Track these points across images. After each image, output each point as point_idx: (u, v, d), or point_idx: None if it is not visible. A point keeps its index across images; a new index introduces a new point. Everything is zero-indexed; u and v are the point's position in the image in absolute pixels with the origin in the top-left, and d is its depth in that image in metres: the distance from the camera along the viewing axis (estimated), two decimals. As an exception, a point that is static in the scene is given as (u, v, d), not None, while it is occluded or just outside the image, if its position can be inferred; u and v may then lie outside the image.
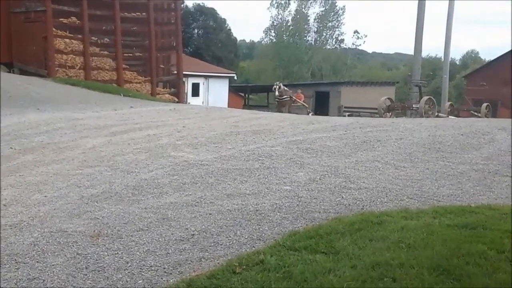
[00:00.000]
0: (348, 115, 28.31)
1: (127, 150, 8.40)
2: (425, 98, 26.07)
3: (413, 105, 27.25)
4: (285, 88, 30.85)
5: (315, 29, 73.64)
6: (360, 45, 77.14)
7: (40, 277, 4.36)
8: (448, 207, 5.67)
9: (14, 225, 5.45)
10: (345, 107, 35.49)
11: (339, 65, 73.84)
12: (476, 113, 29.06)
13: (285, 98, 29.95)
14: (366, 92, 39.18)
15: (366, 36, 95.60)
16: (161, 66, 28.35)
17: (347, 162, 7.79)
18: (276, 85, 30.38)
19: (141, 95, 22.82)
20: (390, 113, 26.27)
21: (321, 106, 38.47)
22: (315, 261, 4.29)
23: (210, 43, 56.08)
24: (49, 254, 4.78)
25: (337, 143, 8.94)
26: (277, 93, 29.91)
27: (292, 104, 30.80)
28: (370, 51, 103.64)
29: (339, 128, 10.38)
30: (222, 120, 11.77)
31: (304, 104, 31.92)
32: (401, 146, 8.79)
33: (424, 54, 58.71)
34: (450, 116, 25.78)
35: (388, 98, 27.57)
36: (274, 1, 72.88)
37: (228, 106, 33.07)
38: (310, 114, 28.31)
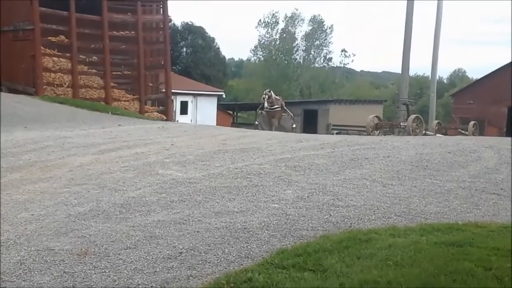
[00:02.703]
0: (336, 133, 28.38)
1: (114, 168, 8.38)
2: (412, 116, 26.23)
3: (401, 123, 27.40)
4: (276, 97, 27.10)
5: (303, 48, 73.98)
6: (348, 63, 77.46)
7: (26, 296, 4.33)
8: (436, 225, 5.70)
9: (0, 244, 5.41)
10: (333, 125, 35.61)
11: (328, 84, 74.12)
12: (463, 131, 29.23)
13: (276, 108, 26.32)
14: (354, 110, 39.34)
15: (354, 55, 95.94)
16: (150, 84, 28.39)
17: (335, 180, 7.81)
18: (266, 94, 26.25)
19: (130, 113, 22.80)
20: (378, 131, 26.39)
21: (310, 124, 38.58)
22: (303, 279, 4.29)
23: (199, 61, 56.19)
24: (36, 272, 4.74)
25: (325, 161, 8.96)
26: (266, 104, 25.96)
27: (283, 114, 27.46)
28: (358, 69, 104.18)
29: (327, 146, 10.41)
30: (210, 138, 11.77)
31: (290, 113, 28.54)
32: (388, 164, 8.82)
33: (411, 72, 59.11)
34: (437, 134, 25.91)
35: (376, 116, 27.71)
36: (262, 21, 73.29)
37: (217, 124, 33.08)
38: (294, 125, 27.74)
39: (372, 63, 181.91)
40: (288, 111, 28.15)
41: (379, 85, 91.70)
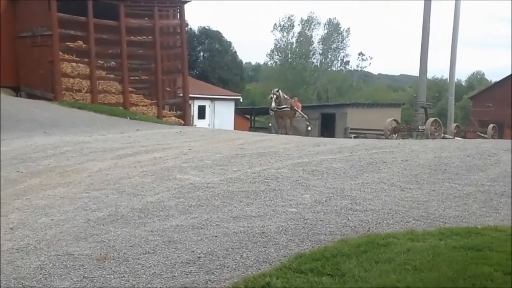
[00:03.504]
0: (354, 137, 28.21)
1: (133, 173, 8.43)
2: (431, 119, 26.06)
3: (419, 127, 27.23)
4: (285, 96, 25.56)
5: (320, 51, 73.92)
6: (365, 67, 77.41)
7: (46, 301, 4.37)
8: (454, 229, 5.66)
9: (21, 249, 5.47)
10: (351, 129, 35.49)
11: (345, 87, 74.01)
12: (482, 134, 29.01)
13: (285, 108, 24.82)
14: (372, 114, 39.21)
15: (371, 58, 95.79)
16: (167, 89, 28.48)
17: (353, 184, 7.79)
18: (273, 93, 24.61)
19: (148, 118, 22.90)
20: (396, 135, 26.26)
21: (327, 128, 38.52)
22: (321, 284, 4.28)
23: (216, 65, 56.32)
24: (56, 277, 4.79)
25: (343, 165, 8.95)
26: (273, 104, 24.29)
27: (295, 116, 25.89)
28: (375, 72, 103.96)
29: (344, 150, 10.38)
30: (227, 143, 11.79)
31: (303, 115, 27.15)
32: (407, 168, 8.78)
33: (430, 75, 58.98)
34: (456, 138, 25.73)
35: (394, 120, 27.56)
36: (278, 24, 73.36)
37: (234, 129, 33.12)
38: (309, 128, 26.46)
39: (390, 66, 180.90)
40: (301, 112, 26.79)
41: (397, 88, 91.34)
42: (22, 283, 4.68)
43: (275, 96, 24.40)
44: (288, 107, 24.98)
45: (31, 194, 7.50)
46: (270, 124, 27.21)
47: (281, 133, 22.96)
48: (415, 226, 6.04)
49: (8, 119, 17.55)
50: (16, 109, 19.51)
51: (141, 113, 24.56)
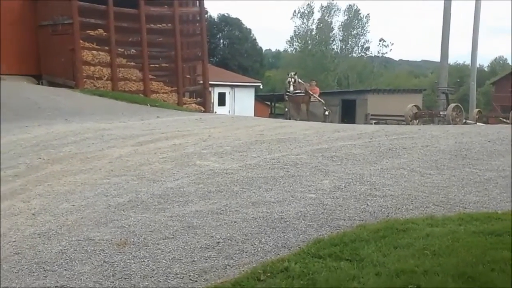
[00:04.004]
0: (375, 123, 28.07)
1: (153, 160, 8.48)
2: (452, 105, 25.88)
3: (440, 113, 27.05)
4: (300, 80, 24.77)
5: (340, 38, 73.54)
6: (386, 53, 76.91)
7: (67, 285, 4.44)
8: (474, 214, 5.64)
9: (42, 234, 5.55)
10: (371, 115, 35.32)
11: (366, 73, 73.60)
12: (504, 120, 28.72)
13: (299, 93, 24.26)
14: (393, 100, 38.97)
15: (392, 44, 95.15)
16: (187, 76, 28.50)
17: (372, 169, 7.77)
18: (291, 77, 24.07)
19: (168, 105, 22.94)
20: (417, 121, 26.10)
21: (348, 114, 38.38)
22: (339, 269, 4.30)
23: (236, 53, 56.34)
24: (77, 262, 4.85)
25: (363, 150, 8.92)
26: (291, 87, 23.84)
27: (311, 101, 25.25)
28: (397, 58, 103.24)
29: (364, 136, 10.35)
30: (247, 129, 11.80)
31: (320, 99, 26.45)
32: (427, 154, 8.74)
33: (452, 61, 58.43)
34: (478, 123, 25.51)
35: (415, 106, 27.37)
36: (297, 11, 73.08)
37: (254, 115, 33.14)
38: (326, 112, 25.76)
39: (411, 52, 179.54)
40: (317, 97, 26.17)
41: (418, 74, 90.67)
42: (44, 268, 4.75)
43: (293, 80, 23.97)
44: (302, 92, 24.45)
45: (52, 181, 7.58)
46: (286, 109, 26.30)
47: (295, 119, 22.74)
48: (435, 211, 6.02)
49: (29, 107, 17.73)
50: (37, 97, 19.65)
51: (162, 100, 24.60)
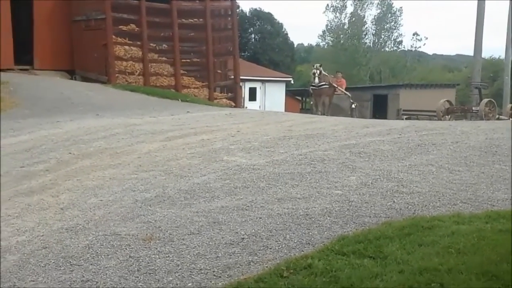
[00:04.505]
0: (406, 118, 27.80)
1: (181, 155, 8.53)
2: (485, 100, 25.50)
3: (473, 108, 26.69)
4: (324, 72, 23.63)
5: (373, 32, 73.01)
6: (419, 47, 76.12)
7: (93, 279, 4.50)
8: (502, 212, 5.57)
9: (70, 228, 5.63)
10: (403, 110, 34.99)
11: (399, 68, 72.93)
12: (539, 116, 28.22)
13: (324, 86, 23.12)
14: (426, 94, 38.54)
15: (426, 38, 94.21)
16: (218, 71, 28.53)
17: (400, 166, 7.72)
18: (316, 69, 22.95)
19: (199, 100, 23.02)
20: (449, 116, 25.79)
21: (379, 109, 38.07)
22: (362, 266, 4.29)
23: (267, 47, 56.26)
24: (103, 256, 4.92)
25: (391, 146, 8.86)
26: (316, 79, 22.74)
27: (335, 93, 24.10)
28: (430, 52, 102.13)
29: (393, 132, 10.27)
30: (276, 124, 11.80)
31: (346, 92, 25.24)
32: (456, 150, 8.65)
33: (486, 55, 57.51)
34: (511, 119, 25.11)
35: (447, 101, 27.04)
36: (330, 5, 72.73)
37: (285, 110, 33.10)
38: (353, 106, 24.62)
39: (445, 46, 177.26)
40: (343, 90, 24.98)
41: (453, 69, 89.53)
42: (70, 262, 4.82)
43: (318, 72, 23.00)
44: (327, 84, 23.38)
45: (82, 175, 7.68)
46: (311, 103, 25.80)
47: (320, 112, 22.36)
48: (462, 209, 5.96)
49: (62, 102, 17.95)
50: (70, 92, 19.88)
51: (193, 95, 24.66)
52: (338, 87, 24.35)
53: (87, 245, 5.18)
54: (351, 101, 24.92)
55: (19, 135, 11.18)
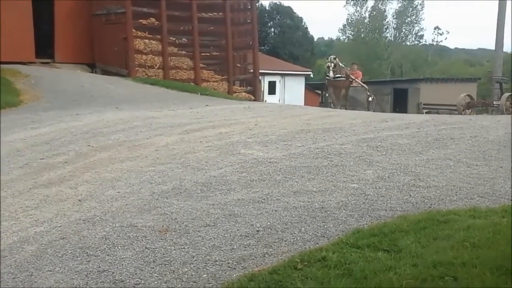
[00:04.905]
0: (426, 113, 27.63)
1: (198, 148, 8.57)
2: (506, 94, 25.31)
3: (494, 102, 26.48)
4: (341, 65, 23.14)
5: (394, 25, 72.57)
6: (441, 41, 75.53)
7: (109, 270, 4.55)
8: (519, 206, 5.54)
9: (87, 220, 5.69)
10: (424, 104, 34.76)
11: (420, 62, 72.42)
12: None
13: (340, 78, 22.58)
14: (447, 89, 38.18)
15: (448, 32, 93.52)
16: (238, 65, 28.56)
17: (417, 160, 7.69)
18: (331, 62, 22.41)
19: (218, 94, 23.08)
20: (470, 110, 25.62)
21: (400, 103, 37.80)
22: (376, 259, 4.30)
23: (287, 41, 56.16)
24: (119, 247, 4.96)
25: (409, 141, 8.83)
26: (331, 73, 22.22)
27: (351, 86, 23.49)
28: (452, 46, 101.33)
29: (412, 126, 10.23)
30: (294, 118, 11.80)
31: (363, 84, 24.49)
32: (475, 144, 8.60)
33: (509, 49, 56.84)
34: (533, 113, 24.87)
35: (468, 95, 26.87)
36: (351, -1, 72.37)
37: (305, 104, 33.05)
38: (370, 98, 23.88)
39: (467, 39, 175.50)
40: (360, 81, 24.26)
41: (474, 63, 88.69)
42: (87, 253, 4.88)
43: (332, 65, 22.38)
44: (343, 77, 22.82)
45: (100, 168, 7.74)
46: (326, 95, 25.20)
47: (336, 105, 22.12)
48: (479, 203, 5.93)
49: (83, 95, 18.10)
50: (91, 85, 20.05)
51: (212, 89, 24.74)
52: (355, 79, 23.78)
53: (104, 236, 5.23)
54: (368, 93, 24.22)
55: (40, 128, 11.29)
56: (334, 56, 23.38)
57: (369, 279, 3.95)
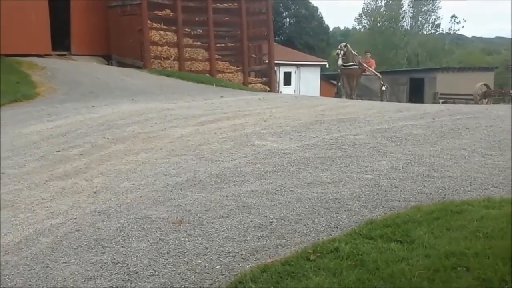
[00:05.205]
0: (442, 102, 27.46)
1: (213, 139, 8.60)
2: (523, 83, 25.12)
3: (511, 91, 26.24)
4: (353, 52, 22.37)
5: (410, 14, 72.05)
6: (458, 30, 74.93)
7: (124, 261, 4.59)
8: (534, 196, 5.51)
9: (102, 212, 5.74)
10: (440, 94, 34.55)
11: (436, 51, 71.85)
12: None
13: (352, 66, 21.82)
14: (463, 78, 37.95)
15: (465, 20, 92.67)
16: (253, 55, 28.54)
17: (432, 150, 7.67)
18: (341, 49, 21.58)
19: (233, 85, 23.06)
20: (487, 100, 25.41)
21: (416, 93, 37.61)
22: (389, 250, 4.30)
23: (302, 31, 55.95)
24: (133, 239, 5.01)
25: (424, 131, 8.80)
26: (340, 60, 21.48)
27: (363, 74, 22.75)
28: (469, 35, 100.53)
29: (427, 116, 10.18)
30: (309, 109, 11.78)
31: (377, 73, 23.59)
32: (490, 134, 8.55)
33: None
34: (551, 102, 24.65)
35: (484, 84, 26.64)
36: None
37: (320, 95, 32.97)
38: (383, 87, 23.09)
39: (485, 28, 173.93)
40: (373, 70, 23.40)
41: (492, 51, 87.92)
42: (102, 244, 4.93)
43: (342, 52, 21.48)
44: (356, 65, 21.96)
45: (115, 159, 7.80)
46: (339, 84, 24.15)
47: (348, 95, 21.80)
48: (493, 193, 5.91)
49: (99, 87, 18.21)
50: (106, 77, 20.15)
51: (227, 80, 24.77)
52: (368, 68, 23.06)
53: (119, 228, 5.28)
54: (382, 82, 23.35)
55: (56, 120, 11.38)
56: (345, 43, 22.66)
57: (381, 270, 3.96)
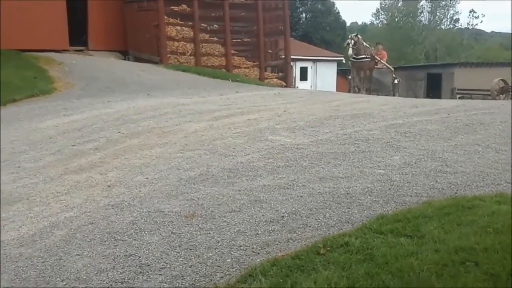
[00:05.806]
0: (459, 98, 27.29)
1: (227, 134, 8.64)
2: (542, 79, 24.87)
3: (528, 87, 26.01)
4: (365, 43, 21.90)
5: (429, 9, 71.59)
6: (476, 24, 74.30)
7: (136, 254, 4.64)
8: (545, 192, 5.49)
9: (116, 205, 5.80)
10: (458, 89, 34.31)
11: (455, 46, 71.32)
12: None
13: (364, 59, 21.44)
14: (481, 73, 37.58)
15: (483, 15, 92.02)
16: (269, 51, 28.51)
17: (445, 145, 7.66)
18: (351, 38, 21.27)
19: (249, 80, 23.10)
20: (504, 95, 25.20)
21: (433, 88, 37.38)
22: (399, 244, 4.32)
23: (319, 26, 55.80)
24: (146, 232, 5.06)
25: (438, 126, 8.78)
26: (350, 51, 21.00)
27: (375, 67, 22.37)
28: (488, 30, 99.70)
29: (442, 111, 10.16)
30: (324, 104, 11.79)
31: (389, 66, 23.17)
32: (505, 129, 8.52)
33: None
34: None
35: (502, 80, 26.39)
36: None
37: (336, 90, 32.89)
38: (396, 81, 22.71)
39: (504, 23, 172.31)
40: (385, 63, 22.97)
41: (510, 46, 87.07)
42: (115, 237, 4.98)
43: (352, 42, 21.11)
44: (368, 57, 21.63)
45: (129, 154, 7.86)
46: (349, 77, 23.54)
47: (359, 90, 21.53)
48: (506, 189, 5.90)
49: (115, 82, 18.32)
50: (123, 72, 20.26)
51: (243, 75, 24.79)
52: (380, 60, 22.74)
53: (132, 221, 5.33)
54: (394, 75, 23.03)
55: (72, 115, 11.49)
56: (355, 33, 22.34)
57: (390, 264, 3.98)
